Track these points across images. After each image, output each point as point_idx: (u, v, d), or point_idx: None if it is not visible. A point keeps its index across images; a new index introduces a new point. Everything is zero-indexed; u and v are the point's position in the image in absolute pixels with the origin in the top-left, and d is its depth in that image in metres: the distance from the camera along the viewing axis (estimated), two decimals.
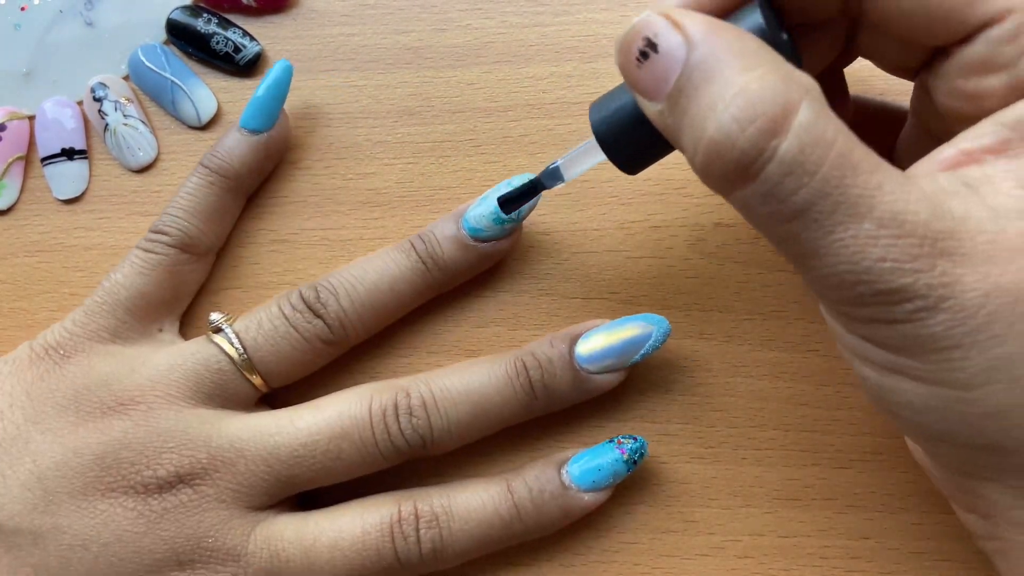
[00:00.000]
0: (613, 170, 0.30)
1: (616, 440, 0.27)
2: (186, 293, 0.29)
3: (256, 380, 0.27)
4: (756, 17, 0.19)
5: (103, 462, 0.25)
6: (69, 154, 0.32)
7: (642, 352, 0.26)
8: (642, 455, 0.27)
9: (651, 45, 0.18)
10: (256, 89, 0.29)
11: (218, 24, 0.31)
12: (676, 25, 0.18)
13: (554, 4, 0.31)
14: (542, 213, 0.30)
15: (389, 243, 0.29)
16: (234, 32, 0.31)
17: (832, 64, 0.24)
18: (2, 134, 0.32)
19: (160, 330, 0.29)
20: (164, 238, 0.28)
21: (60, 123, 0.32)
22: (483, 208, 0.27)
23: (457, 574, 0.28)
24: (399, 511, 0.26)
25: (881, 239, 0.17)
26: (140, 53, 0.31)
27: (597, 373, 0.26)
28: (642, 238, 0.29)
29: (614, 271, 0.29)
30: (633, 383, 0.28)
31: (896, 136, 0.25)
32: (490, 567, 0.28)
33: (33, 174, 0.32)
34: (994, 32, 0.18)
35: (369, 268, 0.28)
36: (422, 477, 0.28)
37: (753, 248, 0.29)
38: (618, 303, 0.29)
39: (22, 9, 0.33)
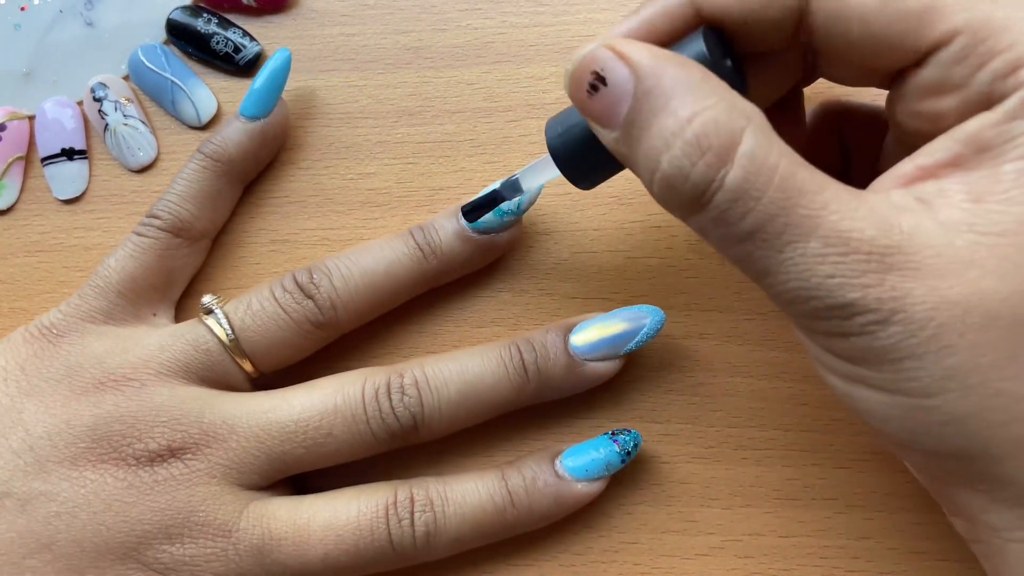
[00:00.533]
0: None
1: (611, 432, 0.27)
2: (180, 278, 0.29)
3: (245, 364, 0.27)
4: (699, 45, 0.20)
5: (95, 433, 0.25)
6: (69, 154, 0.32)
7: (637, 340, 0.26)
8: (636, 446, 0.27)
9: (600, 79, 0.19)
10: (255, 77, 0.29)
11: (218, 24, 0.31)
12: (622, 57, 0.19)
13: (554, 4, 0.31)
14: (542, 213, 0.30)
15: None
16: (234, 32, 0.31)
17: (794, 86, 0.24)
18: (2, 134, 0.32)
19: (154, 314, 0.29)
20: (156, 222, 0.28)
21: (60, 123, 0.32)
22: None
23: (457, 572, 0.28)
24: (395, 495, 0.26)
25: (829, 256, 0.17)
26: (140, 53, 0.31)
27: (591, 360, 0.27)
28: (642, 238, 0.29)
29: (614, 271, 0.29)
30: (633, 383, 0.28)
31: (884, 138, 0.25)
32: (490, 567, 0.28)
33: (33, 174, 0.32)
34: (943, 55, 0.19)
35: (365, 252, 0.28)
36: (418, 473, 0.28)
37: None
38: (618, 303, 0.29)
39: (22, 9, 0.33)
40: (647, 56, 0.19)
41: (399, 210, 0.30)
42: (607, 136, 0.20)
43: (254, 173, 0.30)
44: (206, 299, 0.27)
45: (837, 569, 0.27)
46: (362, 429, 0.26)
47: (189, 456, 0.25)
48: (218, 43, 0.31)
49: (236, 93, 0.32)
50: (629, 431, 0.27)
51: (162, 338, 0.27)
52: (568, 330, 0.27)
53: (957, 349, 0.17)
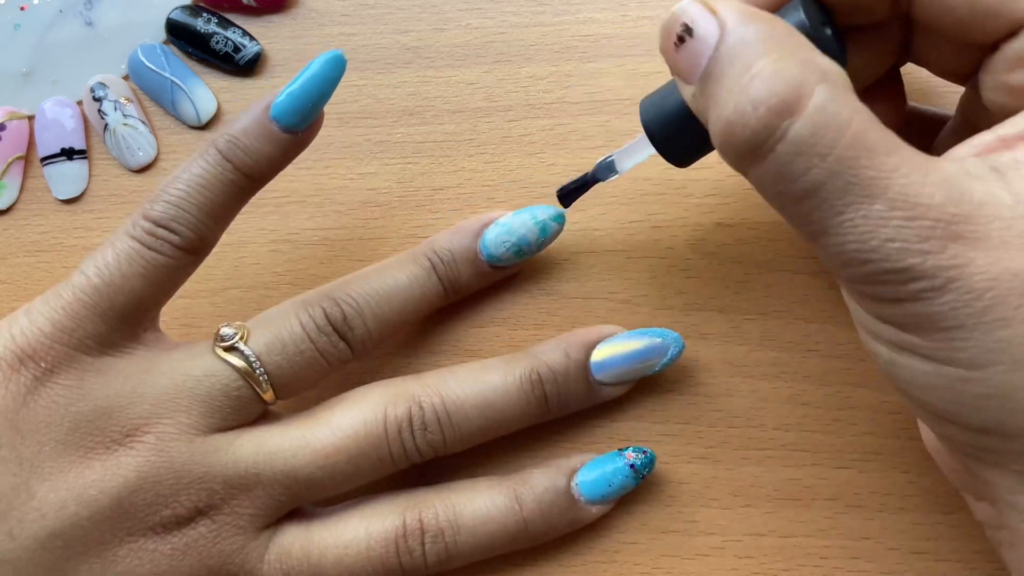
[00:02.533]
0: None
1: (626, 453, 0.27)
2: (175, 290, 0.26)
3: (268, 396, 0.25)
4: (798, 12, 0.20)
5: (120, 508, 0.23)
6: (69, 154, 0.32)
7: (655, 370, 0.27)
8: (650, 469, 0.27)
9: (687, 30, 0.19)
10: (298, 77, 0.25)
11: (218, 24, 0.31)
12: (711, 11, 0.19)
13: (554, 4, 0.31)
14: None
15: (389, 243, 0.29)
16: (234, 32, 0.31)
17: (891, 66, 0.24)
18: (2, 134, 0.32)
19: (145, 330, 0.26)
20: (174, 238, 0.24)
21: (60, 123, 0.32)
22: (504, 235, 0.27)
23: (457, 573, 0.28)
24: (404, 524, 0.25)
25: (892, 220, 0.17)
26: (140, 53, 0.31)
27: (609, 384, 0.27)
28: (642, 238, 0.29)
29: (614, 271, 0.29)
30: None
31: (931, 140, 0.25)
32: (490, 567, 0.28)
33: (33, 174, 0.32)
34: None
35: (394, 287, 0.27)
36: (424, 477, 0.28)
37: (753, 248, 0.29)
38: (618, 303, 0.29)
39: (22, 9, 0.33)
40: (735, 11, 0.19)
41: (399, 210, 0.30)
42: (688, 92, 0.20)
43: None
44: (227, 332, 0.25)
45: (837, 569, 0.27)
46: (385, 462, 0.26)
47: (215, 512, 0.24)
48: (218, 43, 0.31)
49: (236, 93, 0.32)
50: (646, 452, 0.27)
51: (176, 376, 0.24)
52: (588, 352, 0.27)
53: (1011, 322, 0.17)
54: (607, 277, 0.29)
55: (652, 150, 0.24)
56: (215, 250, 0.30)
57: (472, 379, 0.26)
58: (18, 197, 0.32)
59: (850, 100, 0.18)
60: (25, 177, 0.32)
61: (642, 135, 0.24)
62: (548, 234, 0.28)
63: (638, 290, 0.29)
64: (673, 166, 0.24)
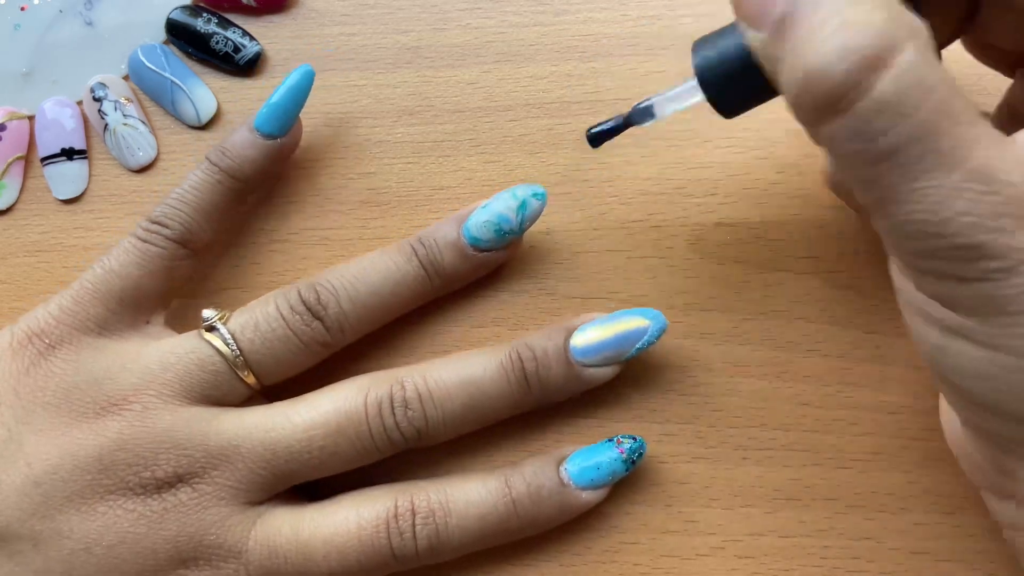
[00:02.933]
0: (613, 169, 0.30)
1: (616, 439, 0.27)
2: (176, 287, 0.29)
3: (250, 379, 0.26)
4: None
5: (100, 464, 0.25)
6: (69, 154, 0.32)
7: (638, 347, 0.26)
8: (641, 455, 0.27)
9: None
10: (275, 91, 0.29)
11: (218, 24, 0.31)
12: None
13: (554, 3, 0.31)
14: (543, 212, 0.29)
15: (389, 243, 0.29)
16: (234, 32, 0.31)
17: (951, 35, 0.23)
18: (2, 134, 0.32)
19: (147, 322, 0.28)
20: (165, 231, 0.27)
21: (60, 123, 0.32)
22: (484, 215, 0.27)
23: (457, 572, 0.28)
24: (395, 506, 0.26)
25: (967, 192, 0.16)
26: (140, 53, 0.31)
27: (592, 366, 0.27)
28: (642, 238, 0.29)
29: (614, 271, 0.29)
30: (634, 383, 0.28)
31: None
32: (490, 566, 0.28)
33: (33, 174, 0.32)
34: None
35: (371, 270, 0.27)
36: (418, 474, 0.28)
37: (753, 248, 0.29)
38: (618, 303, 0.29)
39: (22, 9, 0.33)
40: None
41: (399, 210, 0.30)
42: (755, 39, 0.18)
43: (260, 187, 0.30)
44: (207, 314, 0.27)
45: (838, 569, 0.27)
46: (366, 443, 0.26)
47: (196, 480, 0.25)
48: (218, 43, 0.31)
49: (236, 93, 0.32)
50: (635, 438, 0.27)
51: (162, 355, 0.26)
52: (569, 334, 0.27)
53: None
54: (607, 277, 0.29)
55: (699, 97, 0.22)
56: (215, 250, 0.31)
57: (455, 362, 0.27)
58: (18, 197, 0.32)
59: (937, 64, 0.17)
60: (25, 177, 0.32)
61: (690, 80, 0.22)
62: (528, 211, 0.27)
63: (638, 290, 0.29)
64: (720, 115, 0.22)
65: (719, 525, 0.28)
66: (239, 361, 0.26)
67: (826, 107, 0.17)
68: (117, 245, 0.27)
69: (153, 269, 0.27)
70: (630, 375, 0.28)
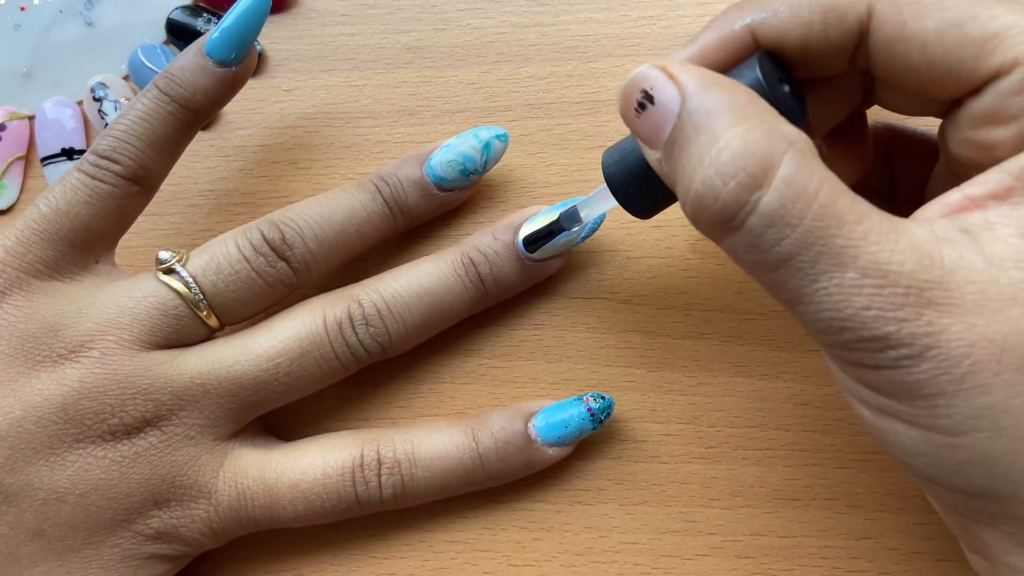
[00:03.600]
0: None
1: (585, 398, 0.27)
2: (127, 225, 0.27)
3: (212, 321, 0.26)
4: (754, 71, 0.20)
5: (65, 414, 0.24)
6: (69, 154, 0.32)
7: (583, 236, 0.27)
8: (608, 414, 0.27)
9: (648, 97, 0.19)
10: (227, 14, 0.26)
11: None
12: (671, 78, 0.19)
13: (554, 4, 0.31)
14: None
15: (389, 242, 0.29)
16: None
17: (855, 109, 0.24)
18: (2, 134, 0.32)
19: (97, 262, 0.27)
20: (115, 167, 0.26)
21: (60, 123, 0.32)
22: (449, 155, 0.28)
23: (457, 572, 0.28)
24: (361, 455, 0.26)
25: (865, 288, 0.17)
26: (140, 53, 0.31)
27: (540, 260, 0.27)
28: (642, 238, 0.29)
29: (614, 271, 0.29)
30: (633, 383, 0.28)
31: (932, 166, 0.25)
32: (490, 567, 0.28)
33: (33, 174, 0.32)
34: (1002, 84, 0.19)
35: (335, 209, 0.27)
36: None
37: None
38: (618, 303, 0.29)
39: (22, 9, 0.33)
40: (695, 78, 0.19)
41: None
42: (653, 156, 0.20)
43: (213, 116, 0.29)
44: (164, 256, 0.26)
45: (838, 569, 0.27)
46: (331, 363, 0.26)
47: (164, 423, 0.25)
48: None
49: None
50: (604, 397, 0.27)
51: (118, 298, 0.25)
52: (515, 231, 0.27)
53: (991, 389, 0.17)
54: (607, 277, 0.29)
55: (615, 202, 0.24)
56: None
57: (406, 272, 0.27)
58: (18, 197, 0.32)
59: (817, 167, 0.18)
60: (25, 177, 0.32)
61: (603, 187, 0.24)
62: (492, 152, 0.28)
63: (638, 290, 0.29)
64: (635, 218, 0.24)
65: (719, 525, 0.28)
66: (202, 304, 0.26)
67: (719, 225, 0.18)
68: (62, 180, 0.26)
69: (104, 208, 0.26)
70: (630, 375, 0.28)
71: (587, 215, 0.26)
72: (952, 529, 0.21)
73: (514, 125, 0.30)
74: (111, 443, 0.25)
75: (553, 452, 0.27)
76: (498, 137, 0.28)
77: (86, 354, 0.25)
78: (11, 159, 0.32)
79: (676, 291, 0.29)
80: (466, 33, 0.31)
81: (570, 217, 0.26)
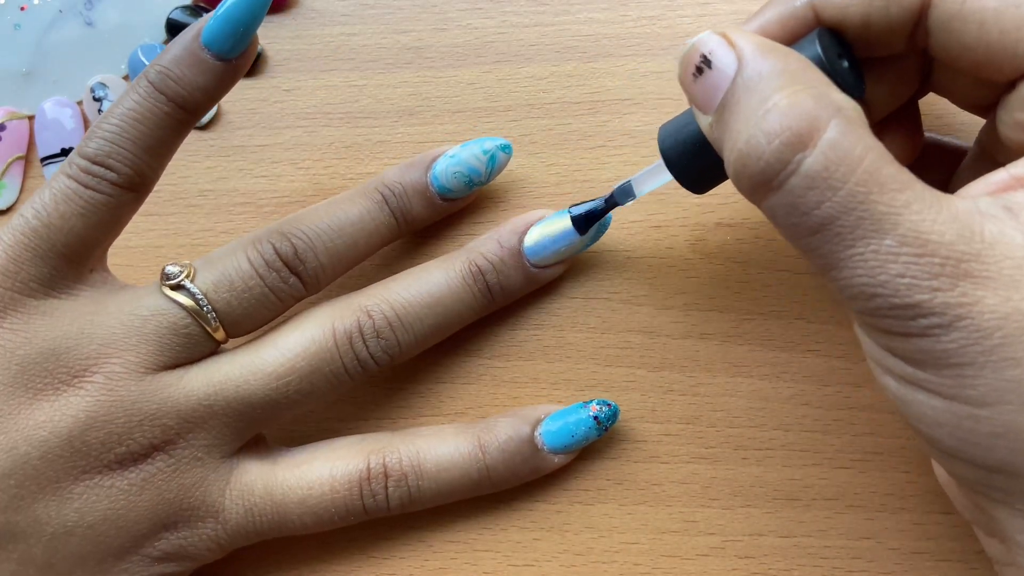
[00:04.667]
0: (612, 169, 0.30)
1: (590, 405, 0.27)
2: (120, 230, 0.26)
3: (219, 335, 0.25)
4: (814, 45, 0.20)
5: (71, 446, 0.24)
6: (69, 154, 0.31)
7: (587, 244, 0.28)
8: (613, 421, 0.27)
9: (706, 61, 0.19)
10: (224, 1, 0.23)
11: None
12: (730, 44, 0.19)
13: (554, 4, 0.31)
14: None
15: (389, 244, 0.29)
16: None
17: (911, 97, 0.24)
18: (2, 134, 0.32)
19: (92, 271, 0.25)
20: (111, 175, 0.24)
21: (60, 123, 0.32)
22: (454, 165, 0.28)
23: (458, 572, 0.28)
24: (367, 468, 0.26)
25: (902, 256, 0.17)
26: (140, 53, 0.32)
27: (545, 266, 0.28)
28: (642, 238, 0.29)
29: (614, 271, 0.29)
30: (633, 383, 0.28)
31: (950, 173, 0.25)
32: (490, 567, 0.28)
33: (33, 174, 0.32)
34: None
35: (344, 220, 0.27)
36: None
37: (753, 248, 0.29)
38: (618, 303, 0.29)
39: (22, 9, 0.33)
40: (753, 44, 0.19)
41: None
42: (705, 121, 0.20)
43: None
44: (172, 270, 0.25)
45: (838, 569, 0.27)
46: (341, 378, 0.26)
47: (171, 447, 0.25)
48: None
49: (236, 93, 0.31)
50: (610, 404, 0.27)
51: (123, 316, 0.24)
52: (521, 238, 0.27)
53: (1020, 362, 0.17)
54: (607, 277, 0.29)
55: (669, 176, 0.24)
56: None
57: (415, 282, 0.27)
58: (18, 197, 0.32)
59: (864, 135, 0.18)
60: (25, 177, 0.32)
61: (659, 161, 0.24)
62: (496, 164, 0.28)
63: (638, 290, 0.29)
64: (689, 192, 0.24)
65: (719, 525, 0.28)
66: (214, 322, 0.25)
67: (761, 185, 0.18)
68: (50, 186, 0.24)
69: (100, 220, 0.24)
70: (630, 375, 0.28)
71: (641, 189, 0.26)
72: (964, 513, 0.21)
73: (514, 125, 0.30)
74: (118, 472, 0.24)
75: (559, 459, 0.27)
76: (503, 148, 0.28)
77: (90, 379, 0.24)
78: (11, 159, 0.32)
79: (676, 291, 0.29)
80: (466, 33, 0.31)
81: (624, 192, 0.26)
